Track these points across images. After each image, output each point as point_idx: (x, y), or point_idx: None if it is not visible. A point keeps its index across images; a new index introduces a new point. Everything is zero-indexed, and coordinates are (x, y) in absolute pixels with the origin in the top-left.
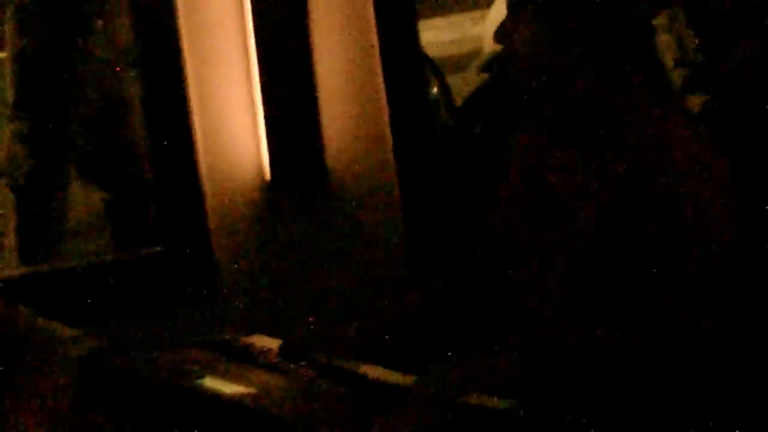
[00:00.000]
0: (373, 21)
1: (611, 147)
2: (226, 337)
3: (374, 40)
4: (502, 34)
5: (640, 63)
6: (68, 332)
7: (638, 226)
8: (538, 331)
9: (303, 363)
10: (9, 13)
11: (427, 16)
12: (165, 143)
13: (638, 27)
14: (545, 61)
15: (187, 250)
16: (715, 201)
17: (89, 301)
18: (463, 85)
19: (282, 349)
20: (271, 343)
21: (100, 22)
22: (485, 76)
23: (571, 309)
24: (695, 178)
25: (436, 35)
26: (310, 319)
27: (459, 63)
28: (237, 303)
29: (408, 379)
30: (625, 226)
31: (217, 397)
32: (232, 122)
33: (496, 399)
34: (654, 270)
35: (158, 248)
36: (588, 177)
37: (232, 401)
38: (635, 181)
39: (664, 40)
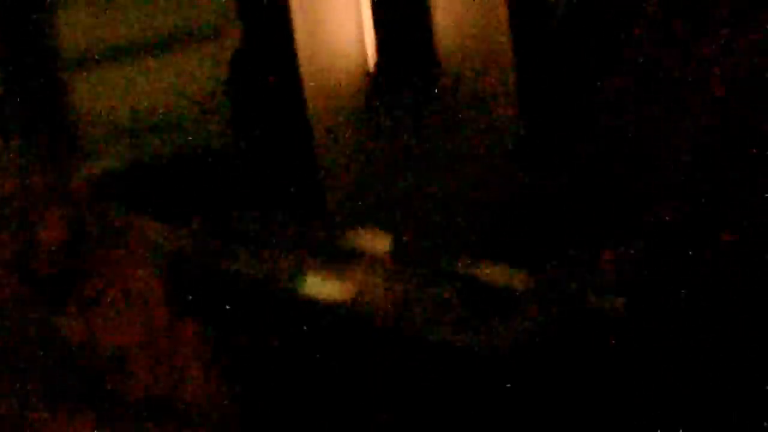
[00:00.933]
0: None
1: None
2: (329, 234)
3: None
4: None
5: None
6: (161, 228)
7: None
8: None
9: (412, 262)
10: None
11: None
12: (259, 26)
13: None
14: None
15: (286, 143)
16: None
17: (182, 195)
18: None
19: (390, 248)
20: (379, 241)
21: None
22: None
23: (685, 209)
24: None
25: None
26: (415, 213)
27: None
28: (339, 197)
29: (522, 279)
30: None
31: (315, 302)
32: (333, 7)
33: (612, 299)
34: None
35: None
36: (704, 68)
37: (331, 305)
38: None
39: None
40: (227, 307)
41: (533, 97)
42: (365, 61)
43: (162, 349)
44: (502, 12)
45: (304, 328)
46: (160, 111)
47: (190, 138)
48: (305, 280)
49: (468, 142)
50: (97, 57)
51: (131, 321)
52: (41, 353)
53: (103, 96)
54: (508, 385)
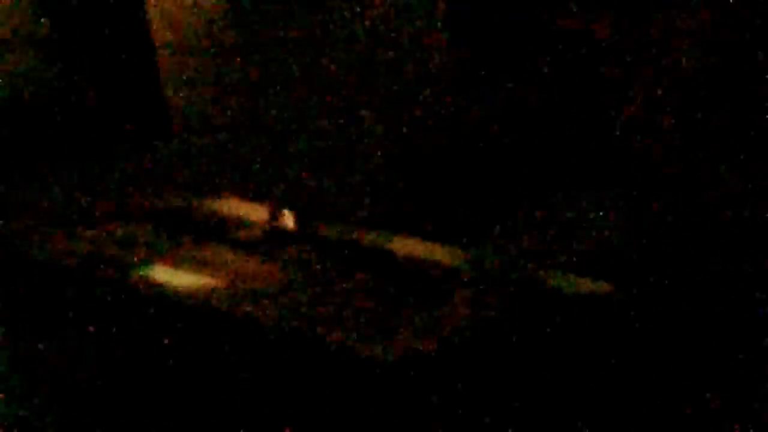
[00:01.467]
0: None
1: None
2: (183, 199)
3: None
4: None
5: None
6: None
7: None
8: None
9: (301, 237)
10: None
11: None
12: None
13: None
14: None
15: (123, 74)
16: None
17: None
18: None
19: (271, 219)
20: (254, 211)
21: None
22: None
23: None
24: None
25: None
26: (305, 176)
27: None
28: (197, 146)
29: (455, 255)
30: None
31: (163, 295)
32: None
33: (581, 279)
34: None
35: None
36: None
37: (188, 301)
38: None
39: None
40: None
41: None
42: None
43: None
44: None
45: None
46: None
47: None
48: (155, 266)
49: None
50: None
51: None
52: None
53: None
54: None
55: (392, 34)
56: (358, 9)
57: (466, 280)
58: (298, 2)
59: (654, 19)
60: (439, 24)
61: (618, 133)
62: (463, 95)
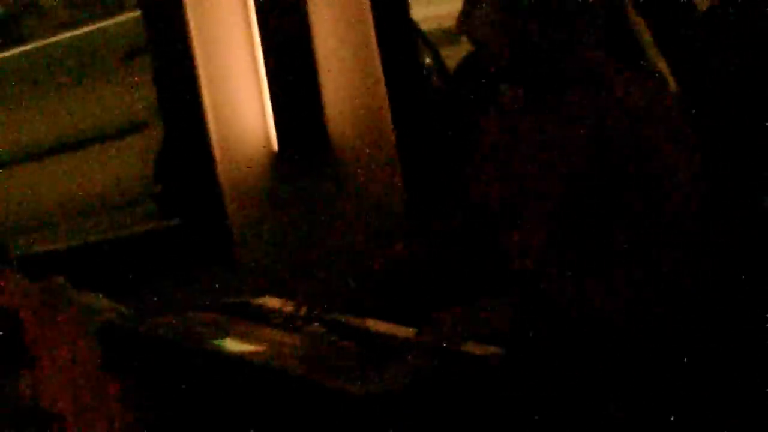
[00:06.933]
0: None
1: (576, 109)
2: (241, 299)
3: (369, 16)
4: (462, 23)
5: (606, 35)
6: (96, 302)
7: (607, 180)
8: (521, 281)
9: (312, 321)
10: None
11: None
12: (177, 122)
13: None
14: (505, 44)
15: (203, 221)
16: (677, 155)
17: (116, 271)
18: (456, 55)
19: (293, 309)
20: (283, 304)
21: None
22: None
23: (548, 260)
24: (659, 134)
25: (433, 10)
26: (316, 278)
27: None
28: (250, 267)
29: (409, 332)
30: (595, 181)
31: (231, 356)
32: (239, 99)
33: (487, 347)
34: (623, 220)
35: (175, 220)
36: (559, 136)
37: (246, 359)
38: (602, 139)
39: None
40: (154, 365)
41: (414, 163)
42: (269, 141)
43: (93, 407)
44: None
45: (226, 380)
46: (92, 197)
47: (119, 222)
48: (225, 339)
49: (356, 212)
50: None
51: (67, 383)
52: None
53: (37, 185)
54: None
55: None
56: None
57: (415, 347)
58: None
59: None
60: None
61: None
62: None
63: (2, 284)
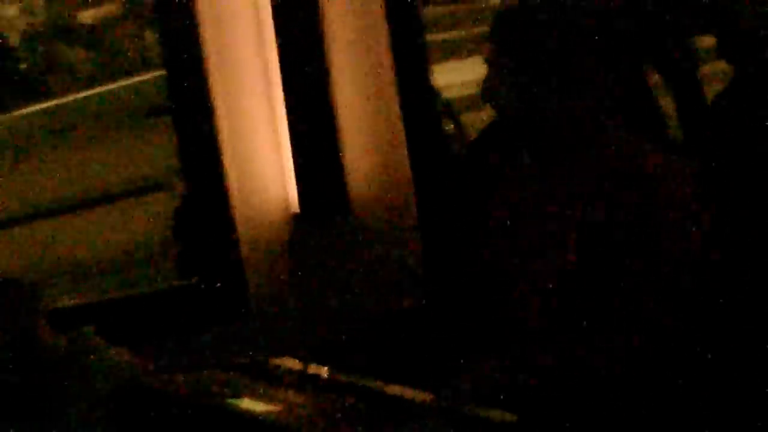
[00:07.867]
0: (391, 65)
1: (589, 174)
2: (257, 358)
3: (392, 81)
4: (487, 91)
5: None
6: (117, 357)
7: (615, 245)
8: (525, 346)
9: (328, 382)
10: None
11: (446, 59)
12: (198, 180)
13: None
14: (525, 110)
15: (221, 280)
16: (689, 224)
17: (135, 328)
18: (479, 121)
19: (309, 369)
20: (299, 364)
21: None
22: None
23: (553, 326)
24: (670, 200)
25: (456, 77)
26: (333, 338)
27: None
28: (268, 326)
29: (424, 395)
30: (603, 246)
31: (244, 415)
32: (261, 159)
33: (503, 413)
34: (632, 289)
35: (194, 279)
36: (567, 202)
37: (259, 419)
38: (612, 205)
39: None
40: (169, 423)
41: (433, 227)
42: (289, 202)
43: None
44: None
45: None
46: (117, 254)
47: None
48: (238, 398)
49: (374, 275)
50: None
51: None
52: None
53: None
54: None
55: None
56: None
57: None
58: None
59: None
60: None
61: None
62: None
63: (38, 333)
